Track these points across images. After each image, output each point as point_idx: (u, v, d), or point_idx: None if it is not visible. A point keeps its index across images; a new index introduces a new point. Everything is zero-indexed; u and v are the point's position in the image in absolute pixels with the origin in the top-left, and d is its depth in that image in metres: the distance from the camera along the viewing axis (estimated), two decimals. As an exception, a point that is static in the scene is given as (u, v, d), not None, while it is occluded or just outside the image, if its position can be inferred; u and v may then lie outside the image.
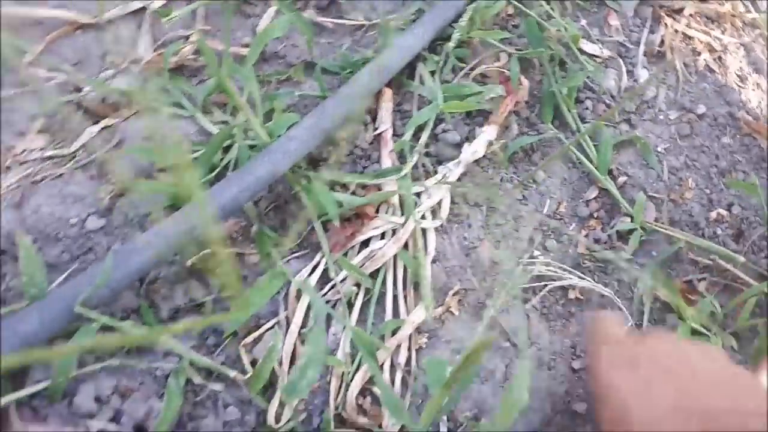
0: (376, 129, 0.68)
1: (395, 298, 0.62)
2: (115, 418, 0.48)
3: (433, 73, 0.72)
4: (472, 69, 0.74)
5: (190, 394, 0.53)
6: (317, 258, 0.62)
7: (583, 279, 0.67)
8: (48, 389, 0.47)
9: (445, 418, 0.57)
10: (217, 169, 0.62)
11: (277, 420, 0.53)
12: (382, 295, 0.62)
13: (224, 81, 0.56)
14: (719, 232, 0.74)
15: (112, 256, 0.49)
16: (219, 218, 0.56)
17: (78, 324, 0.49)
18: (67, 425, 0.46)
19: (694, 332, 0.65)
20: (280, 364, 0.56)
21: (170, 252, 0.54)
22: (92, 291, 0.47)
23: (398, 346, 0.60)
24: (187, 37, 0.70)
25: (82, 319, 0.49)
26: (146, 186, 0.58)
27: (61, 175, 0.60)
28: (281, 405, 0.55)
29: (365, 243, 0.64)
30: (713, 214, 0.74)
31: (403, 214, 0.64)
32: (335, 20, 0.74)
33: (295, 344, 0.57)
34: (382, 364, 0.59)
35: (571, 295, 0.67)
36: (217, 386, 0.52)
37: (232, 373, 0.54)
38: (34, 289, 0.49)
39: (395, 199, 0.65)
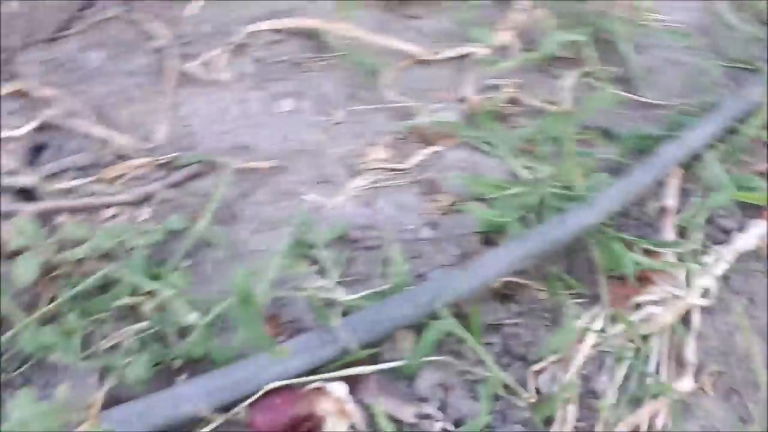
0: (662, 201, 0.68)
1: (657, 364, 0.62)
2: (441, 408, 0.52)
3: (719, 161, 0.71)
4: (752, 165, 0.73)
5: (488, 402, 0.56)
6: (595, 309, 0.63)
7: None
8: (397, 369, 0.52)
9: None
10: (524, 210, 0.65)
11: (556, 448, 0.55)
12: (646, 358, 0.62)
13: (565, 133, 0.58)
14: None
15: (473, 265, 0.53)
16: (540, 255, 0.58)
17: (422, 320, 0.53)
18: (406, 404, 0.51)
19: None
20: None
21: (501, 275, 0.57)
22: (457, 293, 0.51)
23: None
24: (498, 87, 0.74)
25: (434, 314, 0.53)
26: (472, 207, 0.62)
27: (399, 186, 0.65)
28: (558, 436, 0.56)
29: (637, 305, 0.65)
30: None
31: (678, 287, 0.64)
32: (630, 95, 0.75)
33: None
34: (640, 423, 0.59)
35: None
36: (515, 401, 0.55)
37: (526, 394, 0.56)
38: (399, 278, 0.54)
39: (672, 270, 0.65)
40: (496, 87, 0.73)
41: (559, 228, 0.58)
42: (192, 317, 0.49)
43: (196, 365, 0.51)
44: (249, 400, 0.46)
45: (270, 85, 0.67)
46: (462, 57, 0.75)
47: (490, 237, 0.63)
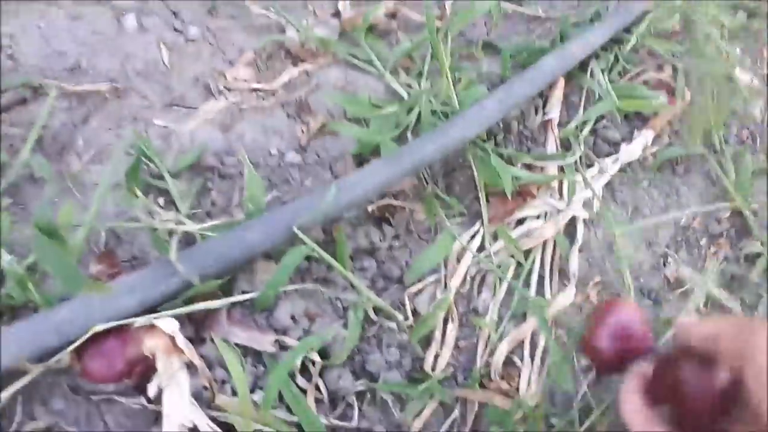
0: (545, 114, 0.65)
1: (541, 278, 0.61)
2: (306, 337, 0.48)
3: (603, 71, 0.68)
4: (638, 74, 0.71)
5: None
6: (476, 226, 0.60)
7: (713, 288, 0.64)
8: (253, 301, 0.47)
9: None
10: (400, 128, 0.60)
11: (432, 369, 0.53)
12: (528, 273, 0.60)
13: (437, 46, 0.54)
14: None
15: (335, 187, 0.48)
16: (412, 172, 0.54)
17: (283, 246, 0.48)
18: (266, 335, 0.46)
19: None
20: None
21: (368, 196, 0.52)
22: (312, 216, 0.46)
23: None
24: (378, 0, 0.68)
25: (293, 241, 0.48)
26: (343, 128, 0.57)
27: (263, 108, 0.59)
28: (435, 356, 0.54)
29: (519, 221, 0.62)
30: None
31: (561, 199, 0.62)
32: (516, 7, 0.71)
33: (451, 301, 0.56)
34: (523, 339, 0.57)
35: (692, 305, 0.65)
36: (390, 324, 0.51)
37: (400, 317, 0.53)
38: (254, 205, 0.48)
39: (553, 183, 0.63)
40: (378, 1, 0.67)
41: (431, 144, 0.54)
42: (5, 260, 0.43)
43: (22, 313, 0.45)
44: (73, 345, 0.40)
45: (110, 0, 0.58)
46: (336, -32, 0.68)
47: (366, 159, 0.59)
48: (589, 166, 0.65)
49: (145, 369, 0.41)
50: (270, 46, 0.62)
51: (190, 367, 0.43)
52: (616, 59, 0.69)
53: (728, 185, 0.69)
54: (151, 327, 0.41)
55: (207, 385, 0.43)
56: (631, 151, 0.66)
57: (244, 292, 0.47)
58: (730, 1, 0.81)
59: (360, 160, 0.59)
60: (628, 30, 0.71)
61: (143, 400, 0.42)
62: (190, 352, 0.40)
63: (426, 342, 0.54)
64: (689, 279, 0.64)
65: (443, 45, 0.61)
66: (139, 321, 0.41)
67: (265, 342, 0.46)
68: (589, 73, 0.67)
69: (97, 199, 0.45)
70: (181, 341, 0.40)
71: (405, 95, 0.62)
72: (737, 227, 0.69)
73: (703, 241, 0.68)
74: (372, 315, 0.52)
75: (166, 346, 0.40)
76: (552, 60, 0.62)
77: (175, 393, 0.40)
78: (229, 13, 0.63)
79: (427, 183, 0.59)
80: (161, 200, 0.52)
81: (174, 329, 0.40)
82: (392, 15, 0.67)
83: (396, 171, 0.53)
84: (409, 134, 0.60)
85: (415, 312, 0.55)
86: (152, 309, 0.44)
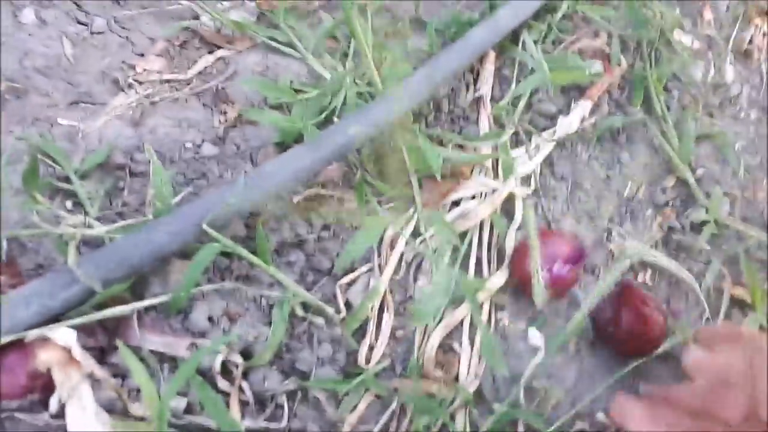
0: (477, 90, 0.63)
1: (479, 260, 0.59)
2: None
3: (536, 42, 0.66)
4: (572, 42, 0.69)
5: (288, 326, 0.51)
6: (410, 211, 0.59)
7: (660, 258, 0.63)
8: (167, 304, 0.45)
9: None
10: (325, 113, 0.58)
11: (367, 362, 0.51)
12: (466, 255, 0.59)
13: (354, 25, 0.51)
14: (791, 233, 0.69)
15: (243, 179, 0.46)
16: (334, 158, 0.52)
17: (196, 244, 0.46)
18: (182, 340, 0.44)
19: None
20: (372, 308, 0.53)
21: (287, 186, 0.50)
22: (223, 211, 0.44)
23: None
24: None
25: (203, 239, 0.46)
26: (261, 115, 0.55)
27: (177, 99, 0.56)
28: (370, 348, 0.52)
29: (455, 203, 0.61)
30: (786, 216, 0.70)
31: (495, 178, 0.61)
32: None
33: (385, 291, 0.55)
34: (462, 319, 0.56)
35: (641, 278, 0.64)
36: (319, 320, 0.50)
37: (330, 311, 0.51)
38: (161, 203, 0.46)
39: (488, 163, 0.61)
40: (297, -19, 0.65)
41: (352, 127, 0.52)
42: None
43: None
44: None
45: (6, -7, 0.55)
46: (252, -52, 0.65)
47: (290, 147, 0.57)
48: (526, 141, 0.64)
49: (48, 383, 0.39)
50: (183, 34, 0.59)
51: (97, 378, 0.41)
52: (549, 28, 0.67)
53: (671, 153, 0.68)
54: (45, 339, 0.38)
55: (116, 395, 0.41)
56: (568, 124, 0.64)
57: (156, 296, 0.45)
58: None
59: (283, 149, 0.57)
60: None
61: (46, 416, 0.40)
62: (88, 364, 0.38)
63: (362, 334, 0.53)
64: (633, 250, 0.63)
65: (363, 21, 0.59)
66: (32, 333, 0.38)
67: (180, 346, 0.44)
68: (521, 44, 0.65)
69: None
70: (78, 352, 0.38)
71: (329, 78, 0.60)
72: (682, 196, 0.68)
73: (648, 212, 0.67)
74: (300, 311, 0.50)
75: (63, 358, 0.38)
76: (481, 31, 0.61)
77: (77, 407, 0.38)
78: (138, 2, 0.60)
79: (356, 169, 0.57)
80: (68, 203, 0.50)
81: (69, 340, 0.38)
82: (314, -5, 0.64)
83: (316, 157, 0.51)
84: (335, 119, 0.58)
85: (348, 304, 0.53)
86: (56, 319, 0.42)
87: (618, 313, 0.53)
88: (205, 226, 0.44)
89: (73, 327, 0.42)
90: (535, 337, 0.56)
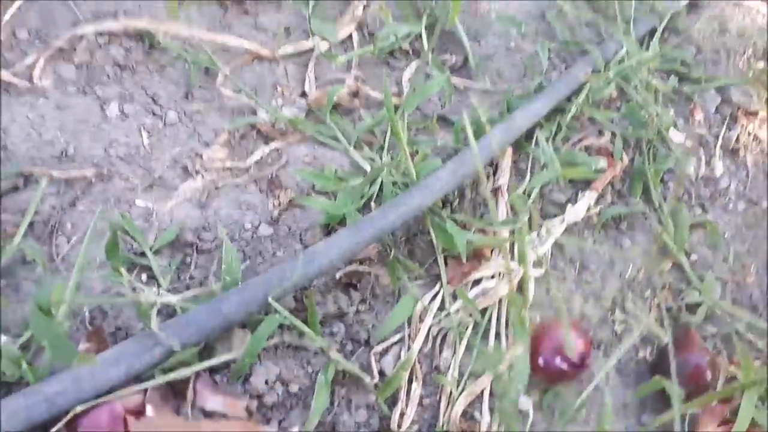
0: (496, 181, 0.73)
1: (497, 334, 0.67)
2: (280, 402, 0.53)
3: (547, 139, 0.77)
4: (579, 140, 0.80)
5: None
6: (437, 288, 0.67)
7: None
8: (232, 368, 0.52)
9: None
10: (364, 199, 0.67)
11: (398, 427, 0.58)
12: (486, 330, 0.67)
13: (395, 123, 0.61)
14: (777, 317, 0.78)
15: (303, 257, 0.54)
16: (373, 240, 0.61)
17: (258, 316, 0.54)
18: (239, 401, 0.52)
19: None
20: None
21: (334, 263, 0.59)
22: (286, 285, 0.53)
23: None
24: (343, 80, 0.76)
25: (265, 310, 0.54)
26: (310, 201, 0.64)
27: (237, 185, 0.65)
28: (401, 414, 0.59)
29: (476, 281, 0.69)
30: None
31: (513, 260, 0.69)
32: (467, 82, 0.80)
33: (414, 360, 0.62)
34: (480, 394, 0.64)
35: (641, 354, 0.72)
36: (359, 386, 0.57)
37: (367, 379, 0.58)
38: (230, 277, 0.54)
39: (506, 245, 0.70)
40: (337, 81, 0.76)
41: (390, 213, 0.61)
42: (3, 341, 0.48)
43: (15, 389, 0.49)
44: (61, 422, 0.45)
45: (94, 90, 0.65)
46: (303, 52, 0.76)
47: (334, 229, 0.66)
48: (539, 227, 0.73)
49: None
50: (243, 127, 0.69)
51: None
52: (559, 127, 0.78)
53: (668, 239, 0.77)
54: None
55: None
56: (576, 212, 0.74)
57: (222, 359, 0.53)
58: (663, 67, 0.91)
59: (328, 231, 0.66)
60: (569, 99, 0.80)
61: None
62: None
63: (393, 401, 0.60)
64: (637, 328, 0.71)
65: (400, 121, 0.69)
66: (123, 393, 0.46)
67: (237, 408, 0.51)
68: (534, 141, 0.76)
69: (75, 276, 0.51)
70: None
71: (368, 168, 0.69)
72: (678, 279, 0.77)
73: (648, 293, 0.76)
74: (341, 377, 0.57)
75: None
76: (500, 130, 0.71)
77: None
78: (204, 96, 0.70)
79: (390, 249, 0.66)
80: (144, 276, 0.58)
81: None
82: (354, 94, 0.75)
83: (360, 239, 0.60)
84: (372, 204, 0.67)
85: (381, 372, 0.61)
86: (138, 378, 0.50)
87: None
88: (270, 299, 0.52)
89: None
90: (524, 402, 0.63)
